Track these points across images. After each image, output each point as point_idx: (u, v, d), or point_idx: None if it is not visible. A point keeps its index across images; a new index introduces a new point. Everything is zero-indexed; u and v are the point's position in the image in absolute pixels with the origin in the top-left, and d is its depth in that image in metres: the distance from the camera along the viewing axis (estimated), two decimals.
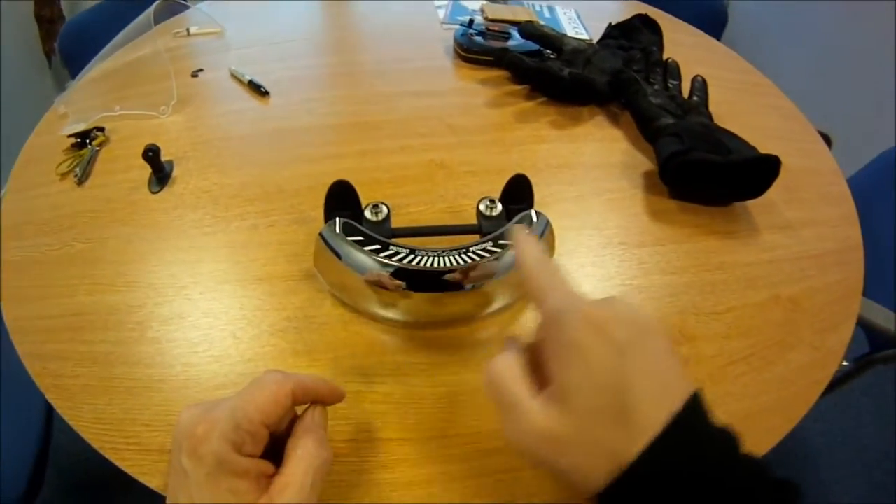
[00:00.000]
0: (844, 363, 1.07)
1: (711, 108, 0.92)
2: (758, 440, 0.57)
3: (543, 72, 0.99)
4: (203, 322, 0.65)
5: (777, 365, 0.64)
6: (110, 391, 0.60)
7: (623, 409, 0.36)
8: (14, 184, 0.86)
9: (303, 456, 0.42)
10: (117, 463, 0.55)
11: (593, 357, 0.37)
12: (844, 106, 2.07)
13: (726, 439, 0.38)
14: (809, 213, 0.83)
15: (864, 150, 1.25)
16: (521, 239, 0.48)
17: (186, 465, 0.40)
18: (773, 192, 0.79)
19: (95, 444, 0.57)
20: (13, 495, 0.93)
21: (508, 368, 0.41)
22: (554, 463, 0.38)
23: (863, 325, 0.96)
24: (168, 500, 0.42)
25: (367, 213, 0.63)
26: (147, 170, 0.83)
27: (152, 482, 0.54)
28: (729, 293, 0.71)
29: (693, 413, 0.37)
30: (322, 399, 0.47)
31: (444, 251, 0.57)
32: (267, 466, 0.42)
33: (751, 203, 0.82)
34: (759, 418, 0.59)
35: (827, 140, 0.98)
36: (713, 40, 1.29)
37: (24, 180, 0.86)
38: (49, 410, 1.05)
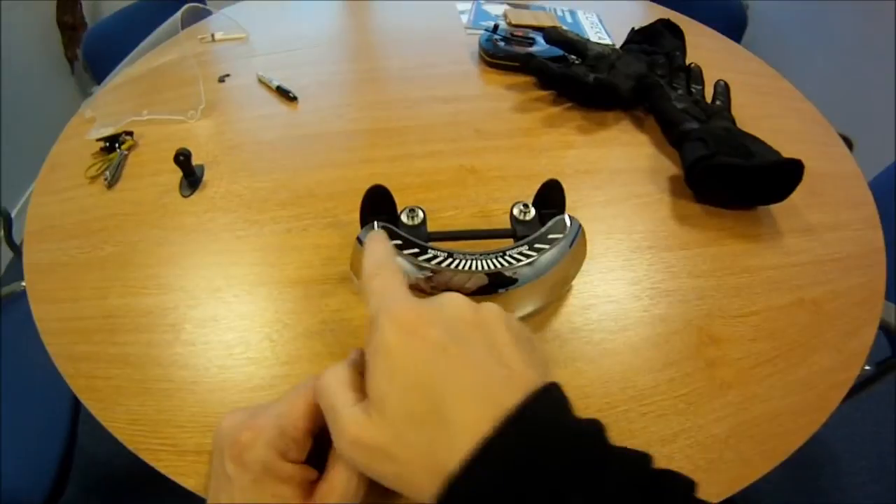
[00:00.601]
0: (866, 367, 1.07)
1: (733, 111, 0.92)
2: (784, 441, 0.57)
3: (569, 77, 0.99)
4: (239, 324, 0.66)
5: (801, 367, 0.64)
6: (144, 393, 0.60)
7: (437, 411, 0.34)
8: (41, 187, 0.86)
9: (346, 463, 0.41)
10: (153, 464, 0.55)
11: (399, 358, 0.35)
12: (865, 108, 2.06)
13: (586, 431, 0.34)
14: (831, 216, 0.83)
15: (886, 153, 1.25)
16: (370, 240, 0.47)
17: (231, 470, 0.40)
18: (796, 195, 0.79)
19: (130, 446, 0.57)
20: (38, 497, 0.93)
21: (335, 378, 0.40)
22: (379, 472, 0.36)
23: (884, 328, 0.96)
24: (209, 502, 0.42)
25: (404, 218, 0.64)
26: (176, 174, 0.83)
27: (188, 482, 0.54)
28: (754, 296, 0.71)
29: (530, 413, 0.33)
30: None
31: (481, 255, 0.58)
32: (310, 472, 0.42)
33: (774, 207, 0.82)
34: (784, 420, 0.59)
35: (848, 143, 0.98)
36: (733, 43, 1.29)
37: (52, 184, 0.87)
38: (75, 413, 1.06)
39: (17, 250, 1.28)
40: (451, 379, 0.34)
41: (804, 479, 1.65)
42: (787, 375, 0.63)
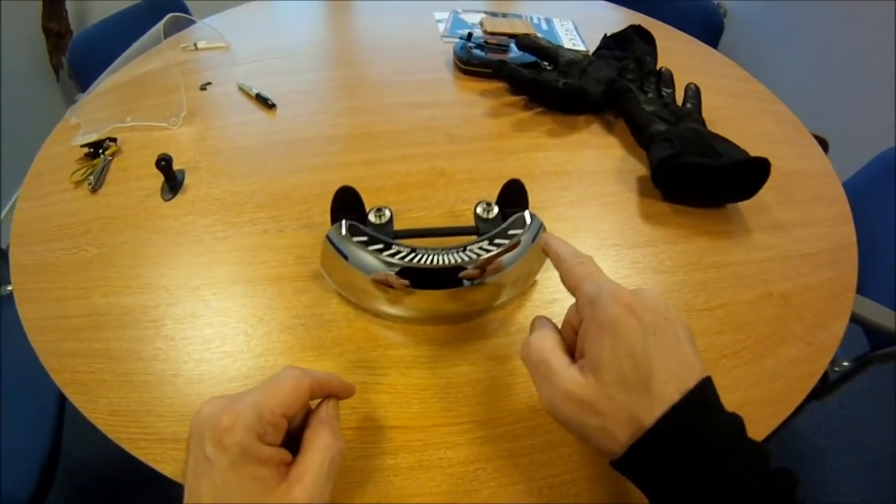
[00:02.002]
0: (845, 363, 1.09)
1: (707, 113, 0.95)
2: (750, 430, 0.58)
3: (539, 83, 1.02)
4: (216, 320, 0.68)
5: (768, 359, 0.66)
6: (126, 385, 0.63)
7: (646, 380, 0.41)
8: (27, 192, 0.89)
9: (319, 446, 0.45)
10: (132, 452, 0.58)
11: (624, 332, 0.42)
12: (841, 110, 2.09)
13: (734, 420, 0.43)
14: (802, 213, 0.84)
15: (861, 154, 1.27)
16: (552, 239, 0.53)
17: (211, 453, 0.42)
18: (766, 194, 0.81)
19: (111, 435, 0.59)
20: (22, 497, 0.95)
21: (547, 342, 0.47)
22: (583, 424, 0.43)
23: (862, 323, 0.98)
24: (187, 487, 0.44)
25: (371, 217, 0.67)
26: (159, 178, 0.86)
27: (166, 469, 0.56)
28: (720, 290, 0.73)
29: (704, 393, 0.42)
30: (335, 393, 0.50)
31: (443, 250, 0.61)
32: (286, 455, 0.45)
33: (743, 205, 0.84)
34: (750, 409, 0.61)
35: (823, 144, 1.00)
36: (708, 48, 1.32)
37: (38, 189, 0.89)
38: (60, 413, 1.07)
39: (2, 255, 1.29)
40: (656, 357, 0.42)
41: None
42: (754, 366, 0.65)
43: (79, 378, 0.64)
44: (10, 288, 0.75)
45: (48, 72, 2.36)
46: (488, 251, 0.61)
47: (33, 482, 0.97)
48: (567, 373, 0.44)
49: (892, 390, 1.85)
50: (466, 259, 0.60)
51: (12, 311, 0.71)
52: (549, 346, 0.47)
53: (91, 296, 0.72)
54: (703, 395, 0.42)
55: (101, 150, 0.93)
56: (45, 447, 1.01)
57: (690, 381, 0.42)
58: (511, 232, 0.62)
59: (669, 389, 0.41)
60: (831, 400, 1.76)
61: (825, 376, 1.08)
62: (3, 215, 2.08)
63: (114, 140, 0.95)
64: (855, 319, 0.75)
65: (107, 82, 1.13)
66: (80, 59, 1.51)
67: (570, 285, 0.49)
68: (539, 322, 0.51)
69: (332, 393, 0.50)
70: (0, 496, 0.93)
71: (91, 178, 0.88)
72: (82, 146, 0.93)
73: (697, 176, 0.81)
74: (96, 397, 0.62)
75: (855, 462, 1.70)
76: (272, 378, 0.46)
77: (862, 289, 0.77)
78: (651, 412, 0.40)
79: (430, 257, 0.60)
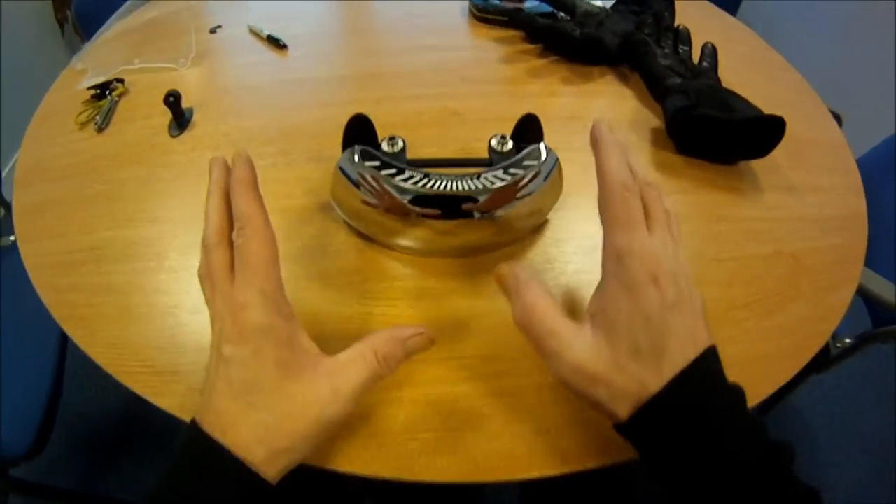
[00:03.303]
0: (847, 340, 1.09)
1: (721, 76, 0.92)
2: (758, 385, 0.58)
3: (556, 31, 1.00)
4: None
5: (778, 315, 0.65)
6: (126, 318, 0.62)
7: (658, 353, 0.41)
8: (32, 135, 0.87)
9: (365, 363, 0.46)
10: (130, 386, 0.57)
11: (645, 301, 0.42)
12: (858, 88, 2.06)
13: (734, 389, 0.44)
14: (814, 179, 0.82)
15: (877, 134, 1.26)
16: (606, 137, 0.49)
17: (229, 352, 0.43)
18: (779, 155, 0.79)
19: (110, 370, 0.58)
20: (20, 448, 0.96)
21: (550, 308, 0.46)
22: (593, 393, 0.43)
23: (866, 297, 0.98)
24: (201, 402, 0.44)
25: (385, 146, 0.65)
26: (166, 117, 0.85)
27: (162, 402, 0.56)
28: (732, 244, 0.72)
29: (708, 363, 0.43)
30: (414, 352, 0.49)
31: (457, 177, 0.59)
32: (311, 344, 0.47)
33: (756, 163, 0.82)
34: (759, 364, 0.60)
35: (837, 119, 0.98)
36: (724, 13, 1.29)
37: (43, 131, 0.88)
38: (60, 366, 1.07)
39: (7, 207, 1.28)
40: (671, 331, 0.42)
41: None
42: (764, 321, 0.64)
43: (78, 313, 0.63)
44: (12, 238, 0.74)
45: (52, 26, 2.34)
46: (502, 180, 0.59)
47: (31, 435, 0.97)
48: (578, 343, 0.44)
49: (889, 376, 1.84)
50: (480, 187, 0.58)
51: (16, 261, 0.70)
52: (552, 314, 0.45)
53: (94, 231, 0.71)
54: (706, 365, 0.42)
55: (107, 92, 0.91)
56: (43, 400, 1.02)
57: (696, 351, 0.42)
58: (526, 163, 0.60)
59: (678, 360, 0.41)
60: (828, 381, 1.79)
61: (827, 350, 1.09)
62: (6, 171, 2.06)
63: (121, 81, 0.94)
64: (858, 291, 0.73)
65: (114, 28, 1.12)
66: (86, 11, 1.49)
67: (604, 215, 0.46)
68: (522, 280, 0.48)
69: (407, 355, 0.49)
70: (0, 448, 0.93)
71: (97, 118, 0.87)
72: (89, 88, 0.92)
73: (712, 129, 0.79)
74: (95, 331, 0.62)
75: (849, 445, 1.70)
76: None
77: (867, 265, 0.75)
78: (658, 382, 0.41)
79: (444, 183, 0.58)
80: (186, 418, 0.44)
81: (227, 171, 0.51)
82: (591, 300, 0.47)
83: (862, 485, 1.62)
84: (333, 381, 0.44)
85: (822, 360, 1.12)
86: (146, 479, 1.48)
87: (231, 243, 0.47)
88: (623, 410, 0.42)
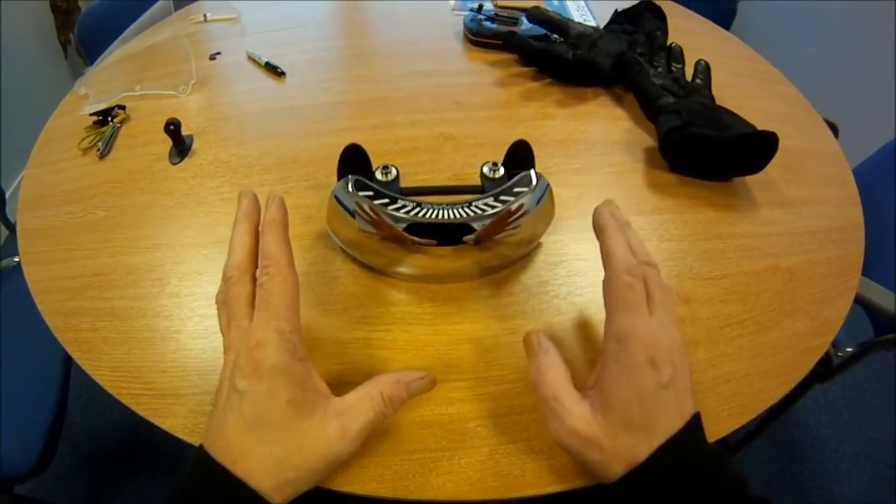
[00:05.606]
0: (849, 349, 1.09)
1: (715, 91, 0.93)
2: (754, 399, 0.59)
3: (549, 53, 1.01)
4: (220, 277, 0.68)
5: (773, 330, 0.65)
6: (129, 342, 0.64)
7: (650, 426, 0.44)
8: (36, 159, 0.89)
9: (373, 402, 0.48)
10: (133, 408, 0.58)
11: (641, 382, 0.45)
12: (853, 98, 2.06)
13: (716, 451, 0.47)
14: (810, 192, 0.83)
15: (872, 143, 1.26)
16: (611, 224, 0.53)
17: (243, 385, 0.44)
18: (774, 170, 0.80)
19: (113, 392, 0.59)
20: (25, 466, 0.96)
21: (559, 376, 0.49)
22: (586, 456, 0.46)
23: (867, 307, 0.98)
24: (209, 430, 0.46)
25: (378, 174, 0.66)
26: (167, 144, 0.86)
27: (166, 423, 0.57)
28: (726, 261, 0.72)
29: (692, 429, 0.46)
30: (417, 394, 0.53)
31: (449, 205, 0.60)
32: (322, 385, 0.49)
33: (750, 179, 0.83)
34: (754, 379, 0.61)
35: (833, 129, 0.98)
36: (718, 28, 1.30)
37: (46, 156, 0.89)
38: (65, 385, 1.08)
39: (11, 228, 1.30)
40: (664, 405, 0.45)
41: (787, 462, 1.67)
42: (759, 337, 0.65)
43: (82, 336, 0.65)
44: (17, 259, 0.75)
45: (56, 49, 2.37)
46: (493, 207, 0.60)
47: (36, 452, 0.98)
48: (577, 411, 0.47)
49: (893, 382, 1.84)
50: (471, 214, 0.59)
51: (17, 283, 0.72)
52: (560, 383, 0.49)
53: (97, 256, 0.73)
54: (690, 433, 0.45)
55: (109, 118, 0.93)
56: (48, 419, 1.03)
57: (683, 420, 0.45)
58: (517, 189, 0.62)
59: (667, 431, 0.44)
60: (833, 391, 1.79)
61: (829, 360, 1.09)
62: (10, 192, 2.07)
63: (123, 108, 0.95)
64: (857, 301, 0.74)
65: (116, 54, 1.13)
66: (89, 35, 1.51)
67: (608, 298, 0.50)
68: (543, 346, 0.52)
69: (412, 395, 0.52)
70: (2, 466, 0.94)
71: (99, 144, 0.88)
72: (91, 115, 0.93)
73: (705, 147, 0.80)
74: (99, 354, 0.63)
75: (855, 453, 1.70)
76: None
77: (865, 274, 0.76)
78: (647, 450, 0.44)
79: (436, 211, 0.59)
80: (190, 439, 0.45)
81: (256, 203, 0.54)
82: (592, 374, 0.51)
83: (870, 493, 1.62)
84: (342, 420, 0.46)
85: (824, 370, 1.12)
86: (150, 498, 1.49)
87: (252, 278, 0.50)
88: (613, 473, 0.45)
